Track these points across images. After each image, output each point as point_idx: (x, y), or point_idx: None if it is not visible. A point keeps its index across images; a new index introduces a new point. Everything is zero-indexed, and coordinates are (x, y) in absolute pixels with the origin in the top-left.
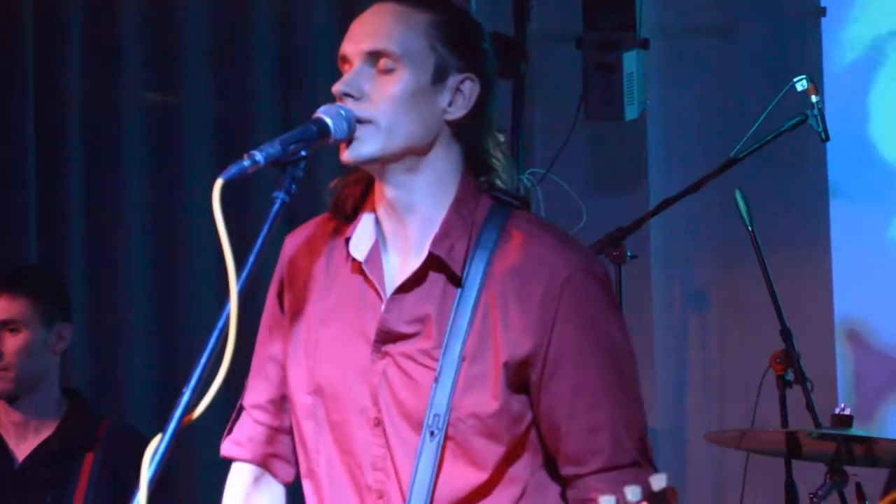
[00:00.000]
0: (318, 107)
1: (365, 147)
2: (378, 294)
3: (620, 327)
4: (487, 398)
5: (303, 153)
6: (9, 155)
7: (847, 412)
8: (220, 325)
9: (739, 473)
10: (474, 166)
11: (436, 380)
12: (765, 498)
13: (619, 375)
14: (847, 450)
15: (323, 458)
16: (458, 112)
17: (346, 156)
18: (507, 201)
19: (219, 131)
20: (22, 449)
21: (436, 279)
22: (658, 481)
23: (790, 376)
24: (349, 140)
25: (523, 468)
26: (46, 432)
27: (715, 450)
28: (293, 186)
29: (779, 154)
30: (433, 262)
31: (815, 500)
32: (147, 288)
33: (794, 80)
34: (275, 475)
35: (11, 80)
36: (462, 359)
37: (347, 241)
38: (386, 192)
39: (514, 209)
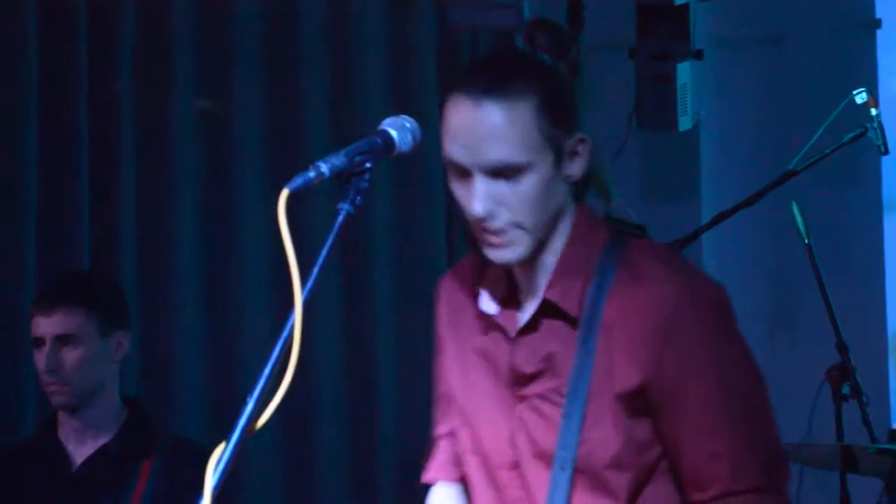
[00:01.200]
0: (369, 115)
1: (518, 250)
2: (510, 340)
3: (738, 351)
4: (611, 432)
5: (368, 165)
6: (62, 164)
7: None
8: (284, 335)
9: (793, 487)
10: (584, 194)
11: (563, 416)
12: None
13: (738, 399)
14: None
15: (480, 494)
16: (579, 171)
17: (500, 258)
18: (624, 230)
19: (271, 139)
20: (80, 453)
21: (556, 322)
22: None
23: (846, 390)
24: (493, 244)
25: (658, 493)
26: (105, 438)
27: None
28: (358, 198)
29: (832, 166)
30: (548, 307)
31: None
32: (200, 296)
33: (854, 92)
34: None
35: (64, 89)
36: (587, 395)
37: (481, 287)
38: None
39: (631, 238)
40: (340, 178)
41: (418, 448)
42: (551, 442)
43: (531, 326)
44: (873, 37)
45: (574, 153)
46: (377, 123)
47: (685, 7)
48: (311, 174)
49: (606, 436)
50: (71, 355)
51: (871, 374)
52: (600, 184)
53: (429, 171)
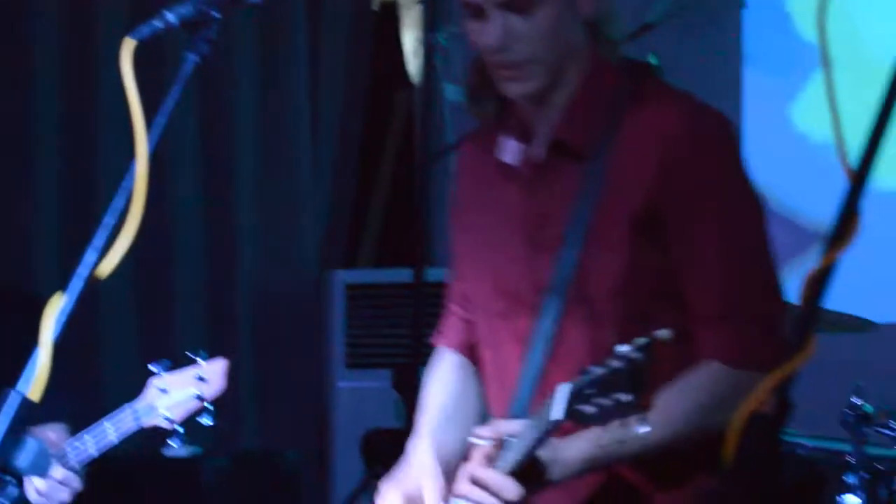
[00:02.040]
0: None
1: (532, 83)
2: (524, 184)
3: (742, 177)
4: (612, 258)
5: (215, 14)
6: None
7: None
8: (128, 182)
9: None
10: (598, 39)
11: (564, 244)
12: None
13: (740, 226)
14: None
15: (488, 348)
16: (592, 10)
17: (514, 91)
18: (634, 71)
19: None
20: None
21: (568, 160)
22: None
23: None
24: (506, 78)
25: (655, 326)
26: None
27: None
28: (206, 47)
29: (694, 19)
30: (560, 146)
31: None
32: (53, 147)
33: None
34: (469, 358)
35: None
36: (588, 222)
37: (497, 143)
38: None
39: (643, 78)
40: (188, 27)
41: (277, 285)
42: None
43: (545, 167)
44: None
45: None
46: None
47: None
48: (157, 23)
49: (607, 262)
50: None
51: None
52: (610, 29)
53: (291, 21)
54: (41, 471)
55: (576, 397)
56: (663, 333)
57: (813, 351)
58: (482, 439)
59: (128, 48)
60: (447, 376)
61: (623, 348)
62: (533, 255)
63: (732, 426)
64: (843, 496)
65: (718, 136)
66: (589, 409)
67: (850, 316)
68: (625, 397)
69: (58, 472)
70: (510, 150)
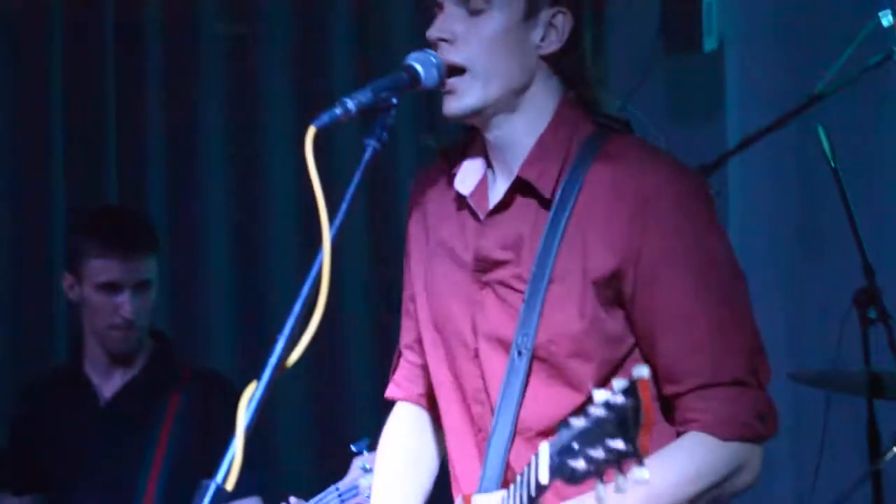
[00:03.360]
0: (396, 54)
1: (466, 99)
2: (478, 220)
3: (720, 242)
4: (574, 317)
5: (393, 101)
6: (88, 95)
7: None
8: (313, 272)
9: (820, 413)
10: (575, 93)
11: (525, 301)
12: (846, 438)
13: (718, 290)
14: None
15: (443, 391)
16: (551, 47)
17: (449, 109)
18: (610, 125)
19: (296, 73)
20: (108, 386)
21: (528, 203)
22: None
23: (873, 314)
24: (445, 91)
25: None
26: (132, 371)
27: (794, 388)
28: (384, 134)
29: (859, 90)
30: (521, 186)
31: None
32: (228, 234)
33: (880, 14)
34: (428, 411)
35: (88, 14)
36: (551, 280)
37: (454, 176)
38: (487, 135)
39: (616, 132)
40: (366, 114)
41: None
42: (511, 328)
43: (504, 205)
44: None
45: (550, 25)
46: (402, 57)
47: None
48: (338, 111)
49: (570, 322)
50: (146, 301)
51: None
52: (583, 75)
53: None
54: None
55: (561, 454)
56: (642, 372)
57: None
58: None
59: (310, 136)
60: (400, 436)
61: (603, 395)
62: (478, 296)
63: None
64: None
65: (694, 198)
66: (580, 464)
67: None
68: (621, 445)
69: None
70: (468, 183)
